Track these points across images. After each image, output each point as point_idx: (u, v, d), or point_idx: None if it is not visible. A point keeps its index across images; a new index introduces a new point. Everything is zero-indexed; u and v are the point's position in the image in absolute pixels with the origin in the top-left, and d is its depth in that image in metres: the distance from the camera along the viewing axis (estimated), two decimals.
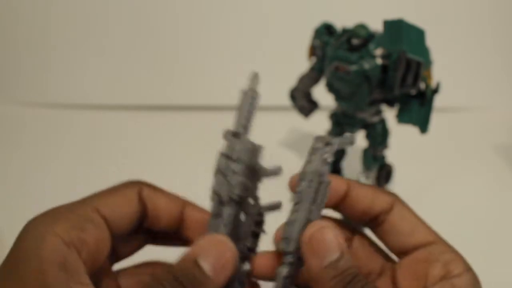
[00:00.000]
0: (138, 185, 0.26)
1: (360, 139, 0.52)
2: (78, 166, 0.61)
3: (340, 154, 0.53)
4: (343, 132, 0.51)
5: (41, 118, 0.73)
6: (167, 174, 0.58)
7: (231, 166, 0.25)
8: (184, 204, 0.27)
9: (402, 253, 0.26)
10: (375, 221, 0.27)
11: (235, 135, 0.25)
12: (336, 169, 0.53)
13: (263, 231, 0.26)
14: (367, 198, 0.26)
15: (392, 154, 0.52)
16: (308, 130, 0.66)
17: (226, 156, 0.25)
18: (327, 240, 0.23)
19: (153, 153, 0.64)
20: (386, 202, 0.26)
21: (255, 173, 0.25)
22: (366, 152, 0.51)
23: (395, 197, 0.27)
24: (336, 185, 0.26)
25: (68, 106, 0.75)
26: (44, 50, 0.76)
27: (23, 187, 0.57)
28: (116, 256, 0.27)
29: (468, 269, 0.24)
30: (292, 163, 0.62)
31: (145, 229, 0.28)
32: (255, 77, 0.26)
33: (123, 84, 0.77)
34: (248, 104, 0.25)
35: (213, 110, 0.74)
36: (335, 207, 0.27)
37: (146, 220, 0.27)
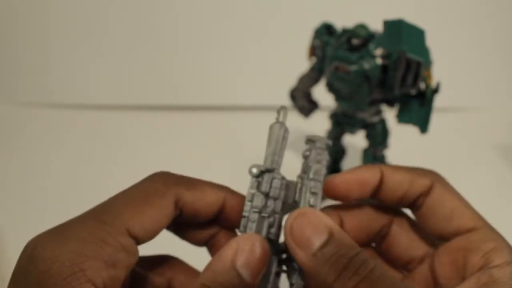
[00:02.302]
0: (176, 191, 0.23)
1: (360, 139, 0.52)
2: (78, 166, 0.61)
3: (340, 154, 0.53)
4: (343, 132, 0.51)
5: (41, 118, 0.73)
6: None
7: (270, 204, 0.23)
8: (225, 196, 0.25)
9: (442, 238, 0.24)
10: (414, 205, 0.25)
11: (268, 171, 0.23)
12: (336, 169, 0.53)
13: (284, 270, 0.24)
14: (403, 184, 0.25)
15: (392, 154, 0.52)
16: (308, 130, 0.66)
17: (264, 194, 0.23)
18: (310, 224, 0.21)
19: (153, 153, 0.64)
20: (424, 185, 0.24)
21: (285, 208, 0.24)
22: (366, 152, 0.51)
23: (435, 178, 0.25)
24: (369, 175, 0.25)
25: (68, 106, 0.75)
26: (44, 50, 0.76)
27: (23, 187, 0.57)
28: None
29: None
30: (292, 163, 0.62)
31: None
32: (283, 110, 0.24)
33: (123, 84, 0.77)
34: (279, 139, 0.24)
35: (213, 110, 0.74)
36: (371, 196, 0.25)
37: (178, 218, 0.25)
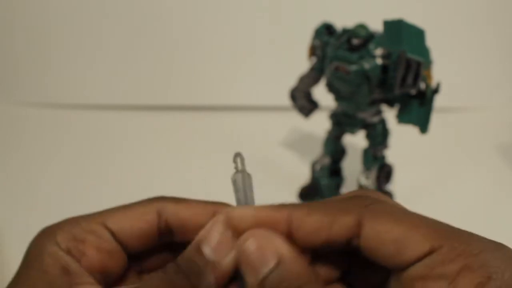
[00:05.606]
0: (158, 202, 0.25)
1: (360, 139, 0.52)
2: (78, 166, 0.61)
3: (340, 154, 0.53)
4: (343, 132, 0.51)
5: (41, 118, 0.73)
6: (167, 174, 0.58)
7: None
8: (216, 211, 0.24)
9: (400, 270, 0.20)
10: (350, 248, 0.21)
11: None
12: (336, 169, 0.53)
13: None
14: (320, 230, 0.20)
15: (392, 154, 0.52)
16: (308, 130, 0.66)
17: None
18: (259, 248, 0.19)
19: (153, 153, 0.64)
20: (347, 226, 0.20)
21: None
22: (366, 152, 0.51)
23: (361, 211, 0.20)
24: (270, 221, 0.20)
25: (68, 106, 0.75)
26: (44, 50, 0.76)
27: (23, 187, 0.57)
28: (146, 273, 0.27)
29: (488, 277, 0.17)
30: (292, 163, 0.62)
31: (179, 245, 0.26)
32: (239, 158, 0.23)
33: (123, 84, 0.77)
34: (246, 188, 0.22)
35: (213, 110, 0.74)
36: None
37: (175, 236, 0.25)
